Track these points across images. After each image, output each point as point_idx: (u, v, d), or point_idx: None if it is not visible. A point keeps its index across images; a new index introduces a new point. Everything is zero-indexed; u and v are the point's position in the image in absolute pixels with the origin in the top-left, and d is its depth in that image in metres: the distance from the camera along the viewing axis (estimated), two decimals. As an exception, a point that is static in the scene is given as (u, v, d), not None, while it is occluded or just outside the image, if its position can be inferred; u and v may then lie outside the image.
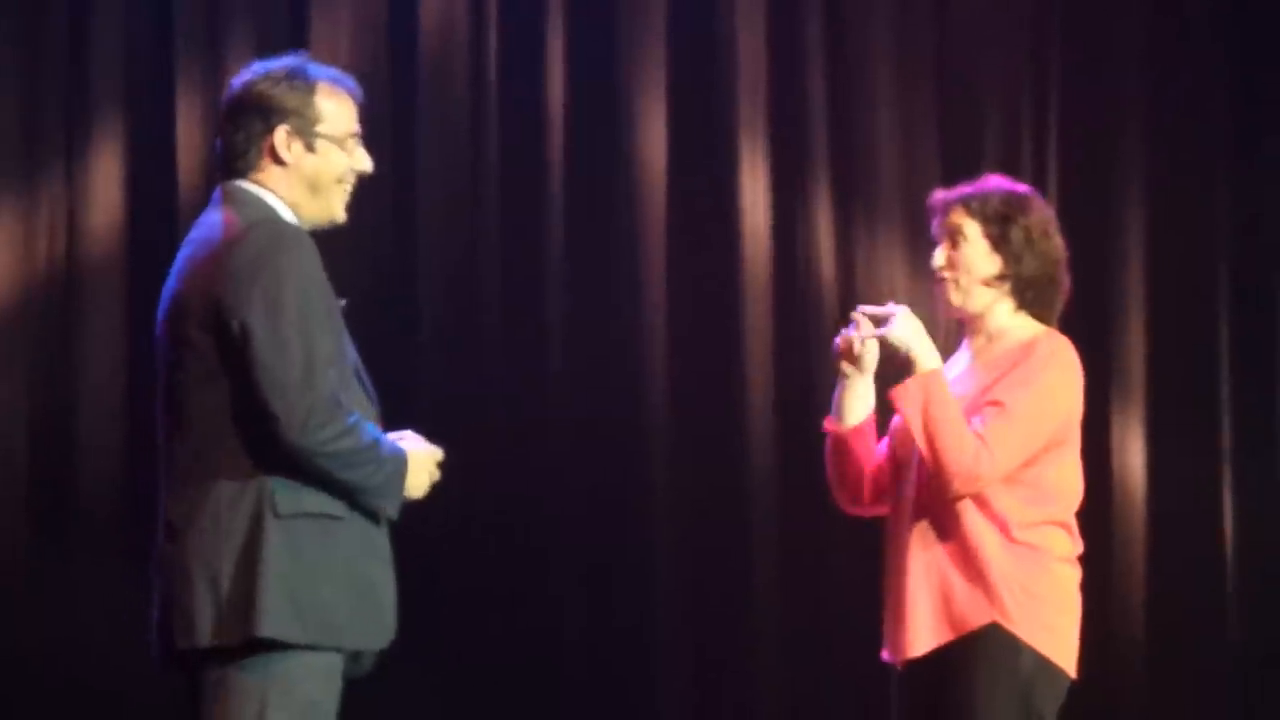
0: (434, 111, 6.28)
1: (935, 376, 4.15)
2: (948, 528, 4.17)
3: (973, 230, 4.26)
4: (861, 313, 4.28)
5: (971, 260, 4.26)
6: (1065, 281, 4.31)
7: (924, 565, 4.20)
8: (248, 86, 3.83)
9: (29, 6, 6.15)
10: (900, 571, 4.23)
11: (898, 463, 4.32)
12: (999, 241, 4.24)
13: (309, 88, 3.82)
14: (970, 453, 4.10)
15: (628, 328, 6.34)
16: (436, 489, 3.83)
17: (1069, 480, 4.22)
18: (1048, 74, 6.36)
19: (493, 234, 6.32)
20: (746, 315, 6.34)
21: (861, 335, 4.24)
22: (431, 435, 3.90)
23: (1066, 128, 6.36)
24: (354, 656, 3.75)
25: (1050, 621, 4.16)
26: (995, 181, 4.34)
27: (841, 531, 6.05)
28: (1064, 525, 4.21)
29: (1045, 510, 4.17)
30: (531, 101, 6.30)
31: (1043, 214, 4.29)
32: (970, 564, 4.15)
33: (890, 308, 4.26)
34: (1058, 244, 4.28)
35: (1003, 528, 4.15)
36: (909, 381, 4.15)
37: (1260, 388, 6.32)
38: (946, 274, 4.28)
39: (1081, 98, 6.37)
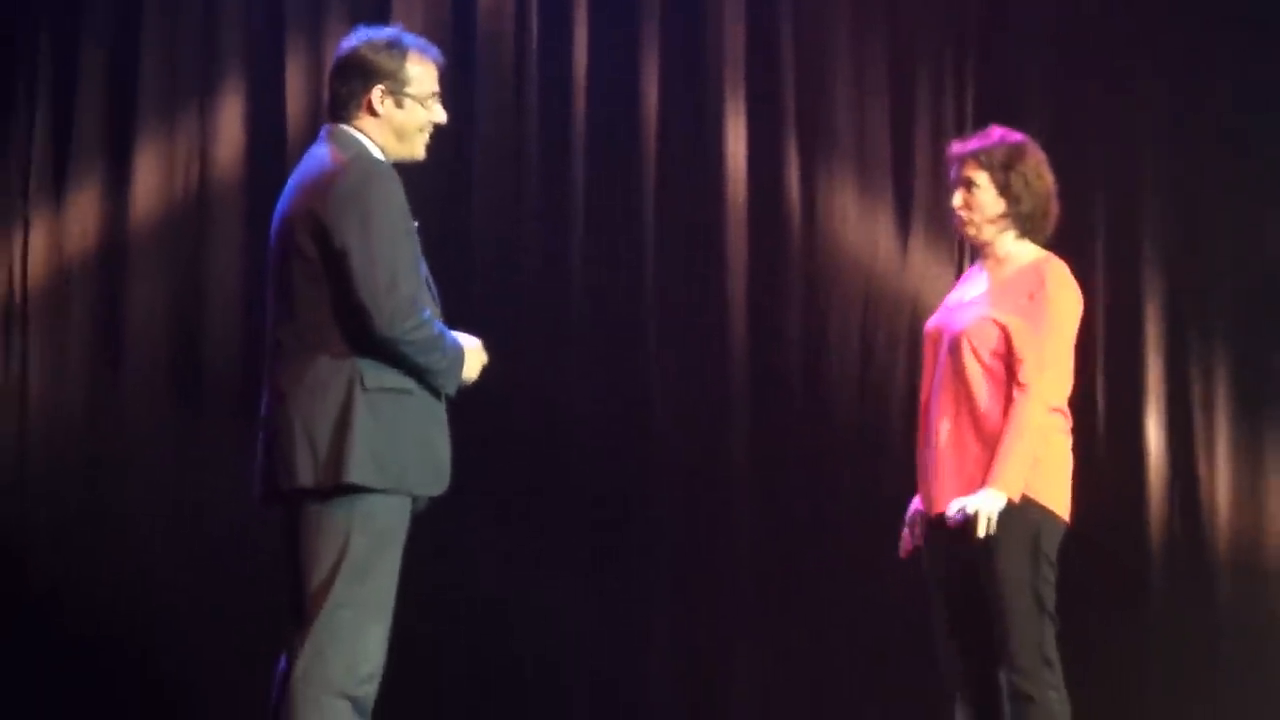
0: (486, 73, 6.53)
1: (1005, 483, 4.53)
2: (975, 413, 4.61)
3: (982, 179, 4.72)
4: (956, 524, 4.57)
5: (983, 203, 4.73)
6: (1055, 210, 4.78)
7: (952, 438, 4.64)
8: (354, 50, 4.12)
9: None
10: (932, 439, 4.70)
11: (934, 351, 4.77)
12: (1004, 187, 4.70)
13: (402, 55, 4.11)
14: (1033, 421, 4.52)
15: (632, 251, 6.51)
16: (484, 384, 4.17)
17: (1069, 376, 4.70)
18: (966, 49, 6.51)
19: (532, 172, 6.55)
20: (728, 236, 6.55)
21: (987, 527, 4.53)
22: (479, 330, 4.21)
23: (980, 90, 6.49)
24: (413, 499, 4.06)
25: (1050, 479, 4.62)
26: (998, 133, 4.77)
27: (808, 432, 6.47)
28: (1062, 411, 4.69)
29: (1054, 402, 4.66)
30: (564, 59, 6.54)
31: (1037, 158, 4.74)
32: (990, 441, 4.58)
33: (961, 514, 4.54)
34: (1049, 181, 4.74)
35: None
36: (1006, 496, 4.53)
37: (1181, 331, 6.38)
38: (963, 213, 4.75)
39: (993, 66, 6.52)
